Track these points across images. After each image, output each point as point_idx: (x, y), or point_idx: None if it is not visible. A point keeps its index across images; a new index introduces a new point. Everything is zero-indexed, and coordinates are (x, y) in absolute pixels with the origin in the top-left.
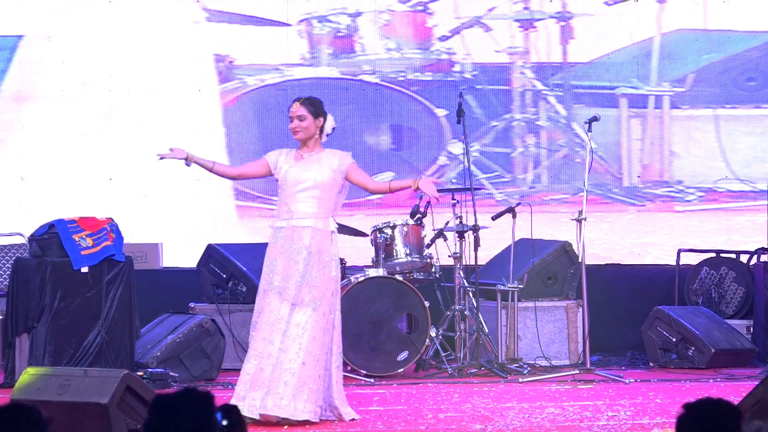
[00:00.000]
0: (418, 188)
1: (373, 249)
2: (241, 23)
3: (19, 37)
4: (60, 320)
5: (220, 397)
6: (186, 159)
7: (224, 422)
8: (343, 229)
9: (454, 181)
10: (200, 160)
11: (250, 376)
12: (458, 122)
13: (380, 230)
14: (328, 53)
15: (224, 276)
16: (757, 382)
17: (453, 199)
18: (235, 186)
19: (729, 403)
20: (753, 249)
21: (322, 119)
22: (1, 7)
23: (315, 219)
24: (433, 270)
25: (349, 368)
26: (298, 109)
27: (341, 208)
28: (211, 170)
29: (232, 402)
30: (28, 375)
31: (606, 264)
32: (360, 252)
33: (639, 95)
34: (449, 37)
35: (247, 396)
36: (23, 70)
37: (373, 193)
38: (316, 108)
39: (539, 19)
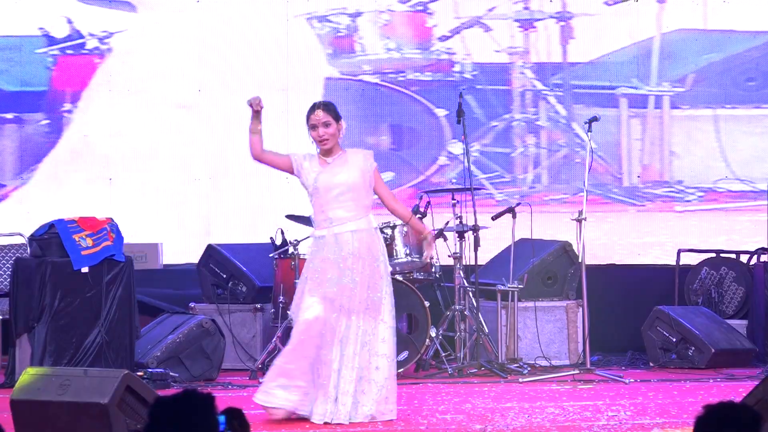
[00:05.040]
0: (425, 238)
1: None
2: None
3: (20, 37)
4: (60, 320)
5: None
6: (257, 112)
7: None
8: None
9: (454, 181)
10: (258, 121)
11: (292, 369)
12: (458, 122)
13: (380, 230)
14: (328, 53)
15: (224, 276)
16: (757, 382)
17: (453, 199)
18: (234, 186)
19: (750, 407)
20: (753, 249)
21: (341, 122)
22: (0, 7)
23: (355, 222)
24: (433, 270)
25: None
26: (323, 116)
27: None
28: (252, 132)
29: (260, 393)
30: (28, 375)
31: (606, 264)
32: None
33: (639, 95)
34: (449, 37)
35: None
36: (23, 71)
37: (389, 209)
38: (336, 111)
39: (539, 19)
